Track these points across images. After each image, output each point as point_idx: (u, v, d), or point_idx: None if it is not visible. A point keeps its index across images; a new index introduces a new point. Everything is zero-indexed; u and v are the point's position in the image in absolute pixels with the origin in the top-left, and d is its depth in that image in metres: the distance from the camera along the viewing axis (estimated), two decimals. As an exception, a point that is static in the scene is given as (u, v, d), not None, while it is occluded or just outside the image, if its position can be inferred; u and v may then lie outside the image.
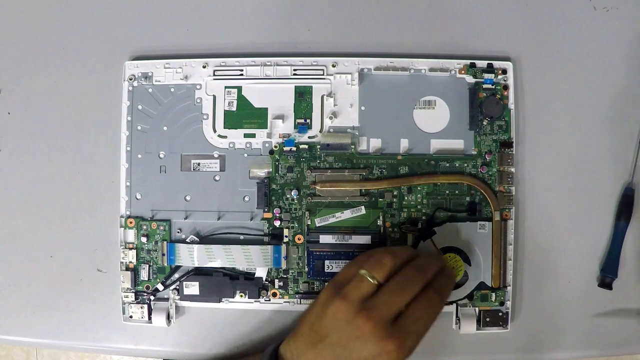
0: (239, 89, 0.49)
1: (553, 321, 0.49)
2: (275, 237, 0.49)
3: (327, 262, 0.48)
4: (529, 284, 0.49)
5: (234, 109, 0.49)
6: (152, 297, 0.49)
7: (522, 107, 0.50)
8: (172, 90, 0.50)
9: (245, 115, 0.49)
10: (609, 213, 0.49)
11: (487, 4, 0.51)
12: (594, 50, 0.50)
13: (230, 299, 0.48)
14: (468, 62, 0.49)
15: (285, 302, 0.48)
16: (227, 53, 0.50)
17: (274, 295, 0.48)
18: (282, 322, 0.49)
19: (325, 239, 0.48)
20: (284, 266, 0.48)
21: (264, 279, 0.48)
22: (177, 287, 0.49)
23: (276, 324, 0.49)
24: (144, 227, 0.49)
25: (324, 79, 0.49)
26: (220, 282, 0.48)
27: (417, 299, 0.40)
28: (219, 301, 0.48)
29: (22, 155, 0.51)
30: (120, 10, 0.52)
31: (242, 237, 0.49)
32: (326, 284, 0.43)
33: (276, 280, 0.48)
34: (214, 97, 0.49)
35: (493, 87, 0.49)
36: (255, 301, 0.48)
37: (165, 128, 0.49)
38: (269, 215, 0.48)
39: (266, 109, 0.49)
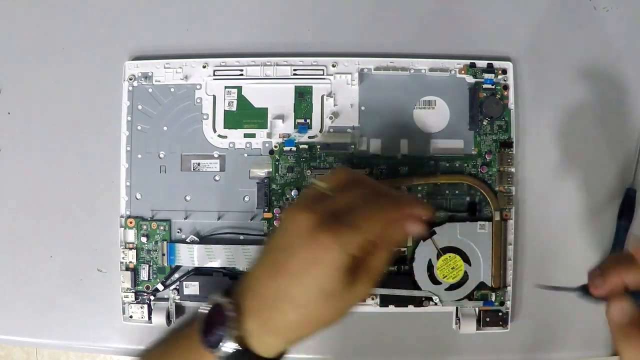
0: (239, 89, 0.49)
1: (553, 321, 0.49)
2: (275, 237, 0.49)
3: (327, 262, 0.48)
4: (529, 284, 0.49)
5: (234, 109, 0.49)
6: (152, 297, 0.49)
7: (522, 107, 0.50)
8: (172, 90, 0.50)
9: (245, 115, 0.49)
10: (611, 213, 0.49)
11: (487, 4, 0.51)
12: (594, 50, 0.50)
13: (230, 299, 0.48)
14: (468, 62, 0.49)
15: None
16: (227, 53, 0.50)
17: (274, 295, 0.48)
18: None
19: (325, 239, 0.48)
20: (284, 266, 0.48)
21: (264, 279, 0.48)
22: (177, 287, 0.48)
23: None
24: (144, 227, 0.49)
25: (324, 79, 0.49)
26: (220, 282, 0.48)
27: (366, 199, 0.35)
28: (219, 301, 0.48)
29: (22, 155, 0.51)
30: (120, 10, 0.52)
31: (242, 237, 0.49)
32: None
33: (276, 280, 0.48)
34: (214, 97, 0.49)
35: (493, 87, 0.49)
36: (255, 301, 0.48)
37: (165, 128, 0.49)
38: (269, 215, 0.48)
39: (266, 109, 0.49)
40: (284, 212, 0.37)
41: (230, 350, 0.34)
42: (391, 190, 0.38)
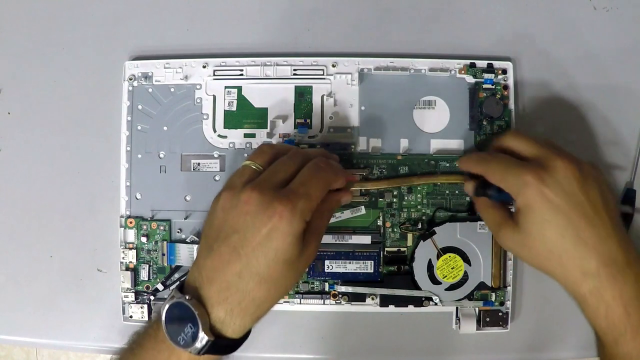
0: (239, 89, 0.49)
1: (553, 321, 0.49)
2: (275, 237, 0.48)
3: (327, 262, 0.48)
4: (529, 284, 0.49)
5: (234, 109, 0.49)
6: (152, 297, 0.49)
7: (522, 107, 0.50)
8: (172, 90, 0.50)
9: (245, 115, 0.49)
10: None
11: (487, 4, 0.51)
12: (594, 50, 0.50)
13: (230, 299, 0.48)
14: (468, 62, 0.49)
15: (285, 302, 0.48)
16: (227, 53, 0.50)
17: (274, 295, 0.48)
18: (281, 322, 0.49)
19: (325, 239, 0.48)
20: (284, 266, 0.48)
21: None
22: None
23: (275, 324, 0.49)
24: (144, 227, 0.49)
25: (324, 79, 0.49)
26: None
27: (304, 167, 0.39)
28: (219, 301, 0.48)
29: (22, 155, 0.51)
30: (120, 10, 0.52)
31: (242, 237, 0.49)
32: None
33: (276, 280, 0.48)
34: (214, 97, 0.49)
35: (493, 87, 0.49)
36: (255, 301, 0.48)
37: (165, 128, 0.49)
38: (269, 215, 0.48)
39: (266, 109, 0.49)
40: (222, 199, 0.38)
41: (205, 343, 0.35)
42: (315, 150, 0.45)
